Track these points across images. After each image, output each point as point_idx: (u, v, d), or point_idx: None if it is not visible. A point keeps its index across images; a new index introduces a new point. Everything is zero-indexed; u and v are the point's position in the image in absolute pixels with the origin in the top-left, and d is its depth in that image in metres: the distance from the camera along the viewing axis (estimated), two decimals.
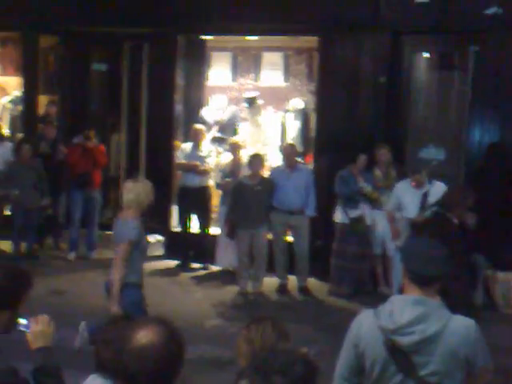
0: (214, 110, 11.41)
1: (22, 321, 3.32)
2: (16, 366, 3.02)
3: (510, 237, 9.18)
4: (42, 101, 11.95)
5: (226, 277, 9.93)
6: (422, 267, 3.28)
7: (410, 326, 3.19)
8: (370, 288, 9.42)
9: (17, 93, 12.50)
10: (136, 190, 5.99)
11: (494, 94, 9.41)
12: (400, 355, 3.23)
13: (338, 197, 9.37)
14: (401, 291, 3.45)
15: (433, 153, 9.85)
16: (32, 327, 3.29)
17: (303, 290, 9.49)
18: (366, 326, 3.33)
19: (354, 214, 9.22)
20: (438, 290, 3.35)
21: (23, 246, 10.69)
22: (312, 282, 9.66)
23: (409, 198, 8.57)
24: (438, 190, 8.06)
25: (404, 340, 3.20)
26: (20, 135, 11.92)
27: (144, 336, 2.59)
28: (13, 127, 12.55)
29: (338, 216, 9.36)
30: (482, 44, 9.41)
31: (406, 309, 3.23)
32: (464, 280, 6.27)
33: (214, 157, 10.53)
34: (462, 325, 3.24)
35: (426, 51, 10.24)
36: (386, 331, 3.23)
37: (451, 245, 5.38)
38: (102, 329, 3.42)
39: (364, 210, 9.27)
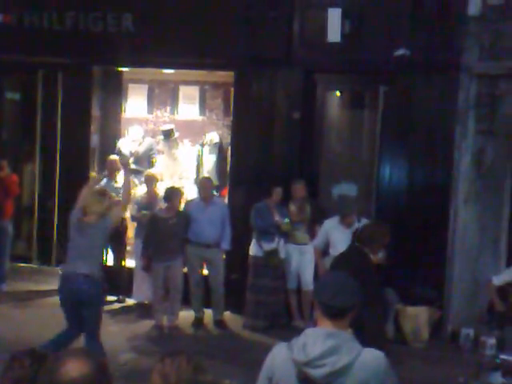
0: (130, 141, 11.37)
1: None
2: None
3: (419, 273, 9.41)
4: None
5: (142, 310, 9.84)
6: (332, 299, 3.30)
7: (321, 358, 3.20)
8: (284, 321, 9.45)
9: None
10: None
11: (402, 132, 9.65)
12: None
13: (253, 230, 9.46)
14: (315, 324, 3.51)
15: (345, 189, 9.98)
16: None
17: (219, 323, 9.47)
18: (280, 359, 3.35)
19: (268, 247, 9.28)
20: (352, 323, 3.38)
21: None
22: (228, 316, 9.66)
23: (338, 236, 8.60)
24: None
25: (316, 372, 3.21)
26: None
27: (73, 369, 2.43)
28: None
29: (253, 249, 9.41)
30: (390, 84, 9.66)
31: (318, 341, 3.24)
32: (378, 313, 6.34)
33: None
34: (372, 357, 3.26)
35: (338, 90, 10.49)
36: (299, 364, 3.24)
37: (366, 278, 5.49)
38: (7, 367, 3.19)
39: (278, 244, 9.34)
